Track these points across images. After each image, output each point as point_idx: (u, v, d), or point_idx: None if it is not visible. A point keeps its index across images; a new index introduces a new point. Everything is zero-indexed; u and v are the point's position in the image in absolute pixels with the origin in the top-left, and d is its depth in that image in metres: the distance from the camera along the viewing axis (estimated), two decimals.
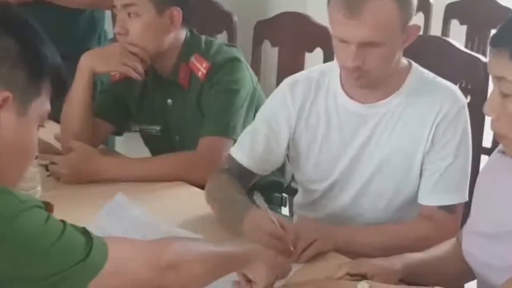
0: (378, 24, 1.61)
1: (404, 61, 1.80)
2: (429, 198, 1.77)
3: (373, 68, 1.67)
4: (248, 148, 1.90)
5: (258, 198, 1.65)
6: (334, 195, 1.87)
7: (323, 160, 1.85)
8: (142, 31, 2.13)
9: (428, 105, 1.75)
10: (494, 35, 1.33)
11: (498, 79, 1.31)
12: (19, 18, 1.18)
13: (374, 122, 1.78)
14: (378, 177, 1.80)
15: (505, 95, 1.31)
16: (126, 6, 2.11)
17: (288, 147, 1.90)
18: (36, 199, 1.13)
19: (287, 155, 1.95)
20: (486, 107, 1.36)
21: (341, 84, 1.81)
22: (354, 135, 1.80)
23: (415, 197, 1.80)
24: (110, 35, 3.00)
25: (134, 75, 2.15)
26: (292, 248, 1.59)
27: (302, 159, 1.89)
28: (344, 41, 1.65)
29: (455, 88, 1.80)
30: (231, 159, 1.92)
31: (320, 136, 1.85)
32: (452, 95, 1.76)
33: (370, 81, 1.72)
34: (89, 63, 2.18)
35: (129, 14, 2.11)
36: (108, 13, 2.87)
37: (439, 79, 1.80)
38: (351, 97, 1.80)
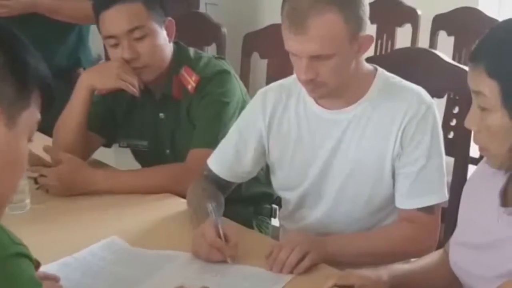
0: (324, 38, 1.64)
1: (369, 67, 1.84)
2: (406, 202, 1.79)
3: (327, 79, 1.71)
4: (220, 157, 1.98)
5: (210, 208, 1.72)
6: (311, 203, 1.90)
7: (296, 165, 1.88)
8: (155, 49, 2.16)
9: (395, 108, 1.77)
10: (472, 50, 1.36)
11: (476, 93, 1.34)
12: (3, 28, 1.16)
13: (343, 127, 1.81)
14: (352, 181, 1.82)
15: (483, 109, 1.34)
16: (132, 31, 2.11)
17: (265, 156, 1.94)
18: (27, 249, 1.08)
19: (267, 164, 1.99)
20: (466, 121, 1.39)
21: None
22: (325, 140, 1.83)
23: (390, 200, 1.82)
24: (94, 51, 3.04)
25: (131, 90, 2.16)
26: (229, 260, 1.64)
27: (276, 165, 1.93)
28: (295, 55, 1.70)
29: (421, 89, 1.81)
30: (207, 167, 1.99)
31: (292, 142, 1.88)
32: (417, 97, 1.78)
33: (327, 92, 1.76)
34: (89, 80, 2.20)
35: (135, 38, 2.12)
36: (93, 29, 2.87)
37: (405, 82, 1.83)
38: (319, 104, 1.84)
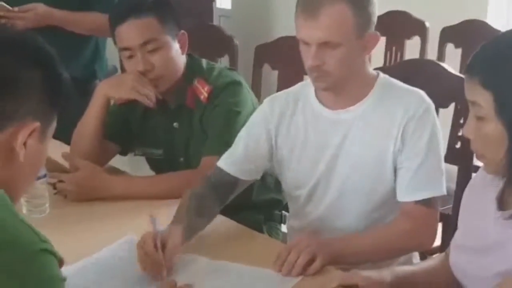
0: (333, 26, 1.78)
1: (373, 71, 1.95)
2: (406, 195, 1.87)
3: (332, 69, 1.82)
4: (228, 154, 2.02)
5: (153, 220, 1.75)
6: (315, 202, 1.98)
7: (303, 165, 1.97)
8: (168, 61, 2.22)
9: (395, 107, 1.87)
10: (468, 62, 1.42)
11: (472, 103, 1.41)
12: (42, 48, 1.22)
13: (346, 126, 1.91)
14: (354, 177, 1.90)
15: (479, 118, 1.40)
16: (145, 44, 2.18)
17: (272, 158, 2.01)
18: (52, 246, 1.12)
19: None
20: (464, 130, 1.46)
21: (315, 92, 1.95)
22: (329, 139, 1.93)
23: (391, 194, 1.89)
24: (110, 63, 3.10)
25: (146, 102, 2.22)
26: (164, 273, 1.64)
27: (284, 167, 2.01)
28: (306, 43, 1.82)
29: (421, 91, 1.91)
30: (216, 167, 2.01)
31: (300, 143, 1.97)
32: (418, 97, 1.89)
33: (331, 83, 1.86)
34: (105, 89, 2.28)
35: (149, 51, 2.19)
36: (109, 41, 2.94)
37: (406, 85, 1.93)
38: (325, 105, 1.94)
